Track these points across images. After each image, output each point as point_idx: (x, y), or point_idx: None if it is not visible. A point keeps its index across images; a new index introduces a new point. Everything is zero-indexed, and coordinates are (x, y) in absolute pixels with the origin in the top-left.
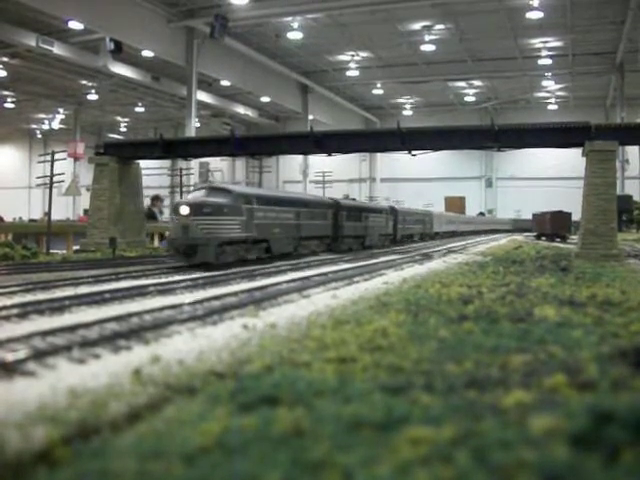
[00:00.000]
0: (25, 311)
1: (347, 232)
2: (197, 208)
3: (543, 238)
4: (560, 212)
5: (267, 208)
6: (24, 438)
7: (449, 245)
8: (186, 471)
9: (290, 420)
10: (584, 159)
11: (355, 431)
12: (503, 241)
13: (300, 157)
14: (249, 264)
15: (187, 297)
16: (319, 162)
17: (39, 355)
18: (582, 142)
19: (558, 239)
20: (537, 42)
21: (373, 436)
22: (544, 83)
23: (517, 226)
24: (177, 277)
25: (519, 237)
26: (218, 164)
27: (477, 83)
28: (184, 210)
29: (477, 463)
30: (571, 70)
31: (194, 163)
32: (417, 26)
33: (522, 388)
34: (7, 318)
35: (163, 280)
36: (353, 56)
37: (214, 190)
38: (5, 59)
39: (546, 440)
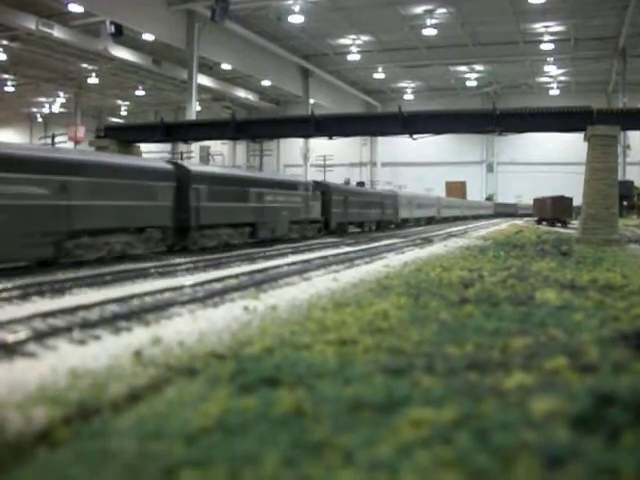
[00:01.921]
0: (26, 292)
1: (212, 219)
2: None
3: (544, 223)
4: (561, 197)
5: None
6: (25, 419)
7: (450, 229)
8: (186, 451)
9: (291, 401)
10: (586, 144)
11: (356, 412)
12: (504, 226)
13: (301, 141)
14: (249, 246)
15: (188, 279)
16: (320, 146)
17: (40, 336)
18: (584, 127)
19: (559, 224)
20: (539, 27)
21: (374, 417)
22: (546, 68)
23: (499, 211)
24: (178, 259)
25: (520, 222)
26: (219, 147)
27: (479, 68)
28: None
29: (478, 444)
30: (573, 55)
31: (195, 146)
32: (419, 10)
33: (523, 371)
34: (8, 300)
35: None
36: (354, 40)
37: None
38: (5, 42)
39: (547, 422)
